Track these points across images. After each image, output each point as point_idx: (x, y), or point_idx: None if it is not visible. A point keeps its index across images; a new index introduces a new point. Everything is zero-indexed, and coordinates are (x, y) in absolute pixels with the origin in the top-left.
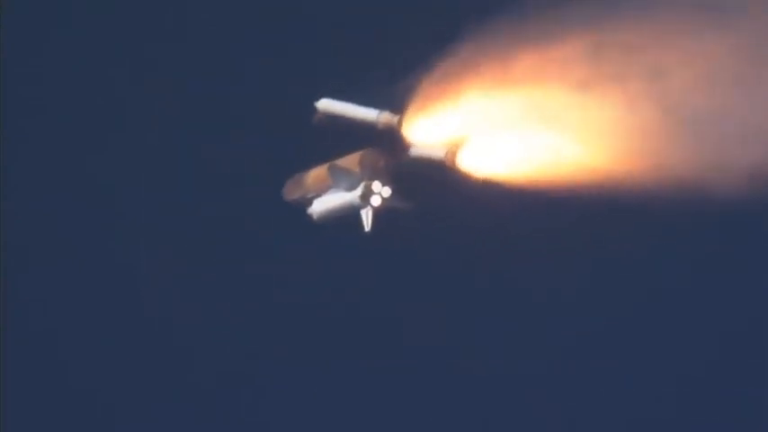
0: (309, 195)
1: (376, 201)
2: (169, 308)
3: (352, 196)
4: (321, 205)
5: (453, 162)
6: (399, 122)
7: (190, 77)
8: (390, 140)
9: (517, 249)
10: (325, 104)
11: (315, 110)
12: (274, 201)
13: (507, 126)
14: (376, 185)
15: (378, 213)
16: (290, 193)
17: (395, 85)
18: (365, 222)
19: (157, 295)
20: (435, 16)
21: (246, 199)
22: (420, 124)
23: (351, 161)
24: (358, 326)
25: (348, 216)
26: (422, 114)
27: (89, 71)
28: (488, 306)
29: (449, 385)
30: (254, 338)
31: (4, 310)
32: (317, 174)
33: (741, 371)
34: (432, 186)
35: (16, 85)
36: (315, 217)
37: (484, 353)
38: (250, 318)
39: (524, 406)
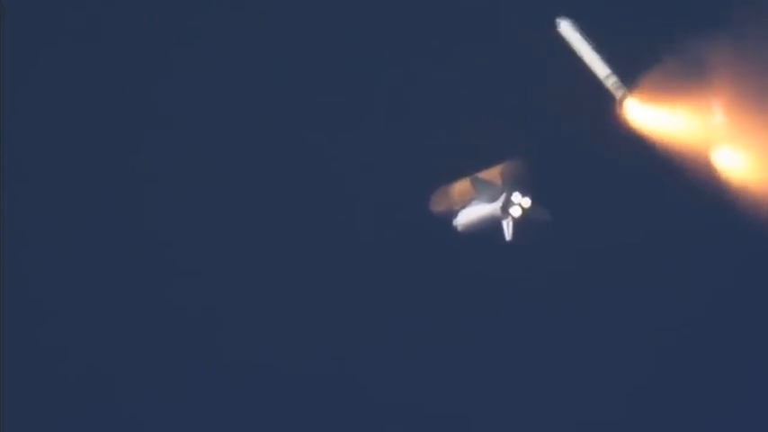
0: (455, 207)
1: (516, 211)
2: (170, 307)
3: (494, 207)
4: (465, 217)
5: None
6: (623, 97)
7: (191, 76)
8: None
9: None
10: (566, 27)
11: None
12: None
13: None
14: (516, 196)
15: (518, 224)
16: (437, 204)
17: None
18: (506, 232)
19: (159, 295)
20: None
21: (247, 201)
22: (645, 108)
23: (492, 173)
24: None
25: (490, 226)
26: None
27: (89, 71)
28: None
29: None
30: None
31: (4, 310)
32: (461, 186)
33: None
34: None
35: (16, 85)
36: (460, 228)
37: None
38: (253, 318)
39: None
